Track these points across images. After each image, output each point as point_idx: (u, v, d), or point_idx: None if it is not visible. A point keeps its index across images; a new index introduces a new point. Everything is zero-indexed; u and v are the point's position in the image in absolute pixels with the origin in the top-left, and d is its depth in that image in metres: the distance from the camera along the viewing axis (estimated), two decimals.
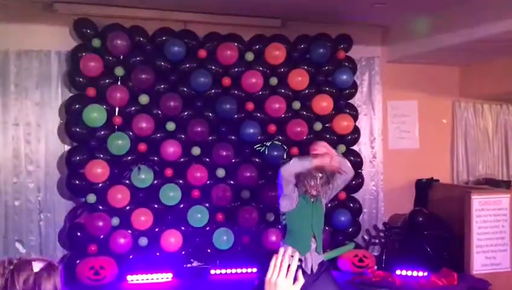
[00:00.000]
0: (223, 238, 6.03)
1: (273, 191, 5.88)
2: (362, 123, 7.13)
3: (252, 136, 6.13)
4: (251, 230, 6.14)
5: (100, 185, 5.81)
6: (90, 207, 5.85)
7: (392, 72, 7.27)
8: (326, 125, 6.54)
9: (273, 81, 6.30)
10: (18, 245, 6.01)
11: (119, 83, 5.92)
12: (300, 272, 1.57)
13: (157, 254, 5.96)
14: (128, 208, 5.87)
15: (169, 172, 5.98)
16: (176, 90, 6.02)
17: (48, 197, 6.13)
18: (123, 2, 5.94)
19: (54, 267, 1.72)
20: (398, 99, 7.45)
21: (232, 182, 6.19)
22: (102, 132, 5.83)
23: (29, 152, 6.09)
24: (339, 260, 6.08)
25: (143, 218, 5.83)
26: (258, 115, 6.26)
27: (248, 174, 6.11)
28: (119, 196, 5.78)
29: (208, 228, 6.11)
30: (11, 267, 1.66)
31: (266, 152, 6.16)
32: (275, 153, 6.16)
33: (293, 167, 3.62)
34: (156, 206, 5.96)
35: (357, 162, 6.61)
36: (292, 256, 1.61)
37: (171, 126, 5.98)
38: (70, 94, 6.04)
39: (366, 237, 7.18)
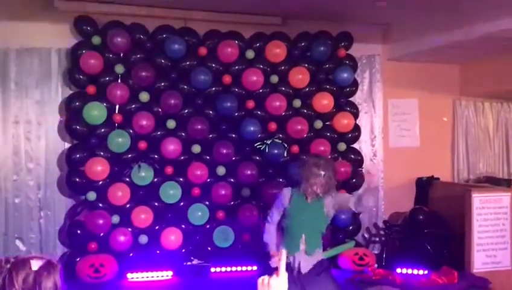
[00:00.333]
0: (223, 237, 6.04)
1: (273, 189, 5.90)
2: (363, 121, 7.12)
3: (252, 134, 6.12)
4: (251, 228, 6.13)
5: (100, 182, 5.80)
6: (90, 205, 5.84)
7: (393, 70, 7.27)
8: (327, 123, 6.53)
9: (274, 79, 6.29)
10: (18, 243, 6.01)
11: (119, 81, 5.91)
12: (283, 266, 1.65)
13: (158, 251, 5.96)
14: (128, 205, 5.87)
15: (169, 170, 5.97)
16: (176, 88, 6.01)
17: (48, 195, 6.12)
18: (123, 0, 5.93)
19: (53, 265, 1.70)
20: (398, 98, 7.45)
21: (232, 180, 6.18)
22: (103, 130, 5.82)
23: (30, 150, 6.09)
24: (339, 258, 6.08)
25: (143, 216, 5.83)
26: (259, 113, 6.25)
27: (248, 172, 6.10)
28: (119, 194, 5.77)
29: (208, 226, 6.10)
30: (9, 266, 1.63)
31: (266, 150, 6.16)
32: (275, 151, 6.16)
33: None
34: (156, 204, 5.96)
35: (357, 160, 6.62)
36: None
37: (171, 124, 5.97)
38: (71, 92, 6.04)
39: (366, 235, 7.17)
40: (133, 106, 5.92)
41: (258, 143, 6.19)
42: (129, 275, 5.68)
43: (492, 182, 7.27)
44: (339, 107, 6.51)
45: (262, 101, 6.22)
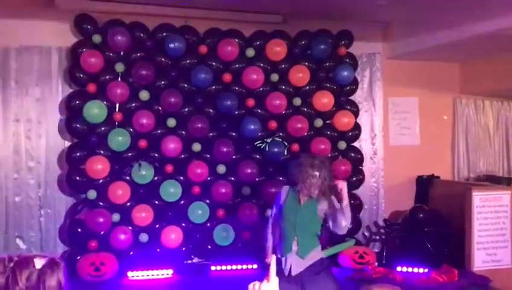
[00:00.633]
0: (223, 235, 6.04)
1: (273, 188, 5.91)
2: (363, 120, 7.13)
3: (252, 133, 6.12)
4: (251, 226, 6.13)
5: (100, 181, 5.81)
6: (90, 203, 5.84)
7: (393, 69, 7.26)
8: (327, 121, 6.53)
9: (274, 77, 6.28)
10: (18, 241, 6.02)
11: (119, 79, 5.91)
12: (273, 272, 1.64)
13: (158, 250, 5.96)
14: (128, 204, 5.87)
15: (169, 168, 5.97)
16: (176, 87, 6.01)
17: (49, 193, 6.13)
18: None
19: (57, 264, 1.69)
20: (399, 96, 7.44)
21: (232, 178, 6.18)
22: (103, 128, 5.82)
23: (30, 148, 6.10)
24: (340, 256, 6.08)
25: (143, 214, 5.83)
26: (259, 111, 6.25)
27: (249, 171, 6.10)
28: (120, 192, 5.77)
29: (208, 225, 6.11)
30: (12, 264, 1.62)
31: (267, 148, 6.16)
32: (276, 150, 6.16)
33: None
34: (156, 202, 5.96)
35: (357, 159, 6.62)
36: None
37: (171, 122, 5.97)
38: (71, 90, 6.04)
39: (366, 234, 7.18)
40: (133, 104, 5.92)
41: (258, 141, 6.19)
42: (129, 274, 5.68)
43: (492, 181, 7.27)
44: (339, 106, 6.51)
45: (262, 99, 6.22)
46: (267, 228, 4.07)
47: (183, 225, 6.00)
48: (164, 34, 5.98)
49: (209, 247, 6.14)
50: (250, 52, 6.22)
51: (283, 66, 6.32)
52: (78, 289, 5.13)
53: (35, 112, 6.09)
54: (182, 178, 6.02)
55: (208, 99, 6.14)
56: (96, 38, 5.82)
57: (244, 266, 5.97)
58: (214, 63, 6.11)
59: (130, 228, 5.85)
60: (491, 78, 7.31)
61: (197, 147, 6.05)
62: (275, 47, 6.22)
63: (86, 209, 5.89)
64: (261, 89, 6.23)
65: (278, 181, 6.06)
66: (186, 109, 6.06)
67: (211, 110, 6.12)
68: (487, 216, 5.90)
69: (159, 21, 6.07)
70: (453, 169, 7.84)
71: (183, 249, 6.05)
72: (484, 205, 5.90)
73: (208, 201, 6.08)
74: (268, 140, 6.19)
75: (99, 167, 5.70)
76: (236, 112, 6.18)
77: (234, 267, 5.98)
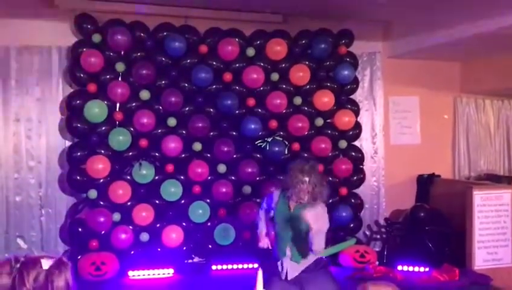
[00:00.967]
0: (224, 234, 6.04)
1: (274, 187, 5.90)
2: (363, 119, 7.12)
3: (253, 132, 6.12)
4: (252, 226, 6.12)
5: (101, 180, 5.81)
6: (91, 203, 5.84)
7: (394, 68, 7.26)
8: (328, 121, 6.52)
9: (274, 76, 6.28)
10: (19, 241, 6.02)
11: (120, 79, 5.91)
12: (260, 286, 1.65)
13: (159, 249, 5.96)
14: (129, 203, 5.87)
15: (170, 168, 5.97)
16: (176, 86, 6.01)
17: (49, 193, 6.14)
18: None
19: (64, 264, 1.69)
20: (399, 95, 7.44)
21: (233, 177, 6.18)
22: (103, 128, 5.82)
23: (30, 148, 6.10)
24: (340, 255, 6.08)
25: (144, 214, 5.83)
26: (259, 110, 6.25)
27: (249, 170, 6.10)
28: (120, 192, 5.77)
29: (209, 224, 6.11)
30: (18, 265, 1.62)
31: (267, 148, 6.16)
32: (276, 149, 6.16)
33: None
34: (157, 202, 5.96)
35: (358, 158, 6.62)
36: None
37: (172, 122, 5.97)
38: (71, 90, 6.04)
39: (367, 233, 7.18)
40: (134, 104, 5.92)
41: (259, 141, 6.18)
42: (130, 273, 5.68)
43: (493, 179, 7.27)
44: (339, 105, 6.51)
45: (263, 98, 6.22)
46: (258, 217, 4.13)
47: (184, 224, 6.00)
48: (164, 33, 5.98)
49: (210, 246, 6.14)
50: (251, 52, 6.22)
51: (283, 65, 6.31)
52: (79, 289, 5.12)
53: (35, 112, 6.10)
54: (182, 177, 6.02)
55: (208, 99, 6.14)
56: (97, 38, 5.81)
57: (245, 266, 5.97)
58: (214, 63, 6.10)
59: (130, 227, 5.85)
60: (491, 77, 7.30)
61: (197, 146, 6.05)
62: (275, 46, 6.21)
63: (86, 208, 5.89)
64: (261, 88, 6.23)
65: (279, 180, 6.05)
66: (187, 109, 6.06)
67: (211, 110, 6.11)
68: (488, 215, 5.90)
69: (159, 20, 6.07)
70: (453, 168, 7.84)
71: (184, 248, 6.05)
72: (485, 203, 5.90)
73: (208, 200, 6.08)
74: (269, 139, 6.19)
75: (99, 166, 5.70)
76: (237, 112, 6.17)
77: (235, 266, 5.98)
